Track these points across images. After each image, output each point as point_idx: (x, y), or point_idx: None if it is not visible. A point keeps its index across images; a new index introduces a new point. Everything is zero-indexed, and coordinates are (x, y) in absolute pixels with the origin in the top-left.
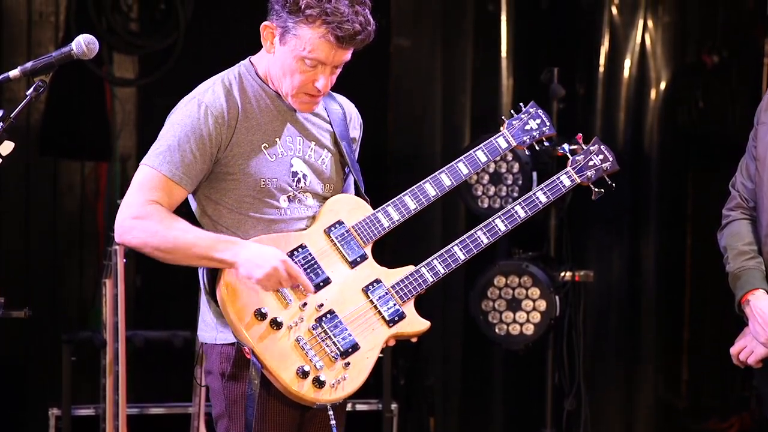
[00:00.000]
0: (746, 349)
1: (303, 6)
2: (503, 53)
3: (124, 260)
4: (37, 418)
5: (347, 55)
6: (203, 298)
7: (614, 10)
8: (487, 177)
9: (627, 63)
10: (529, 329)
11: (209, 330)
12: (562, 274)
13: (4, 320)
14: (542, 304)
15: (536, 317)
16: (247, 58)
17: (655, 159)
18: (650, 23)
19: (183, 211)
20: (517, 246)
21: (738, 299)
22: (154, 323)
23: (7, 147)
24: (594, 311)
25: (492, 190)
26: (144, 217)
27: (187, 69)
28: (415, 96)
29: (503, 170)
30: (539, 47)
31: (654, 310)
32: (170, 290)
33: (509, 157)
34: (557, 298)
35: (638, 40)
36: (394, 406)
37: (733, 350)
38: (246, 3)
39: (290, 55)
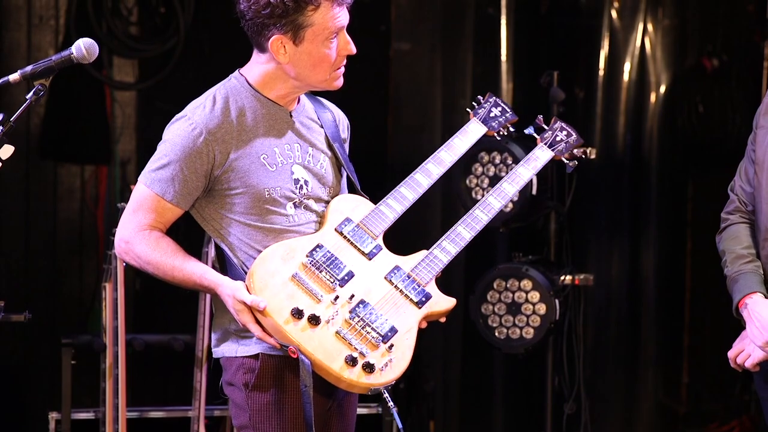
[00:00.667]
0: (743, 352)
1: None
2: (503, 57)
3: (124, 264)
4: (36, 422)
5: (348, 15)
6: (221, 313)
7: (614, 14)
8: (487, 181)
9: (627, 67)
10: (528, 333)
11: (229, 344)
12: (562, 277)
13: (3, 324)
14: (542, 308)
15: (536, 321)
16: (236, 71)
17: (654, 162)
18: (650, 27)
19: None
20: (517, 250)
21: (735, 303)
22: (154, 327)
23: (7, 151)
24: (594, 315)
25: None
26: (135, 243)
27: (186, 73)
28: (415, 100)
29: (503, 174)
30: (539, 51)
31: (654, 313)
32: (170, 294)
33: (509, 161)
34: (557, 301)
35: (638, 43)
36: (394, 409)
37: (730, 354)
38: None
39: (314, 45)
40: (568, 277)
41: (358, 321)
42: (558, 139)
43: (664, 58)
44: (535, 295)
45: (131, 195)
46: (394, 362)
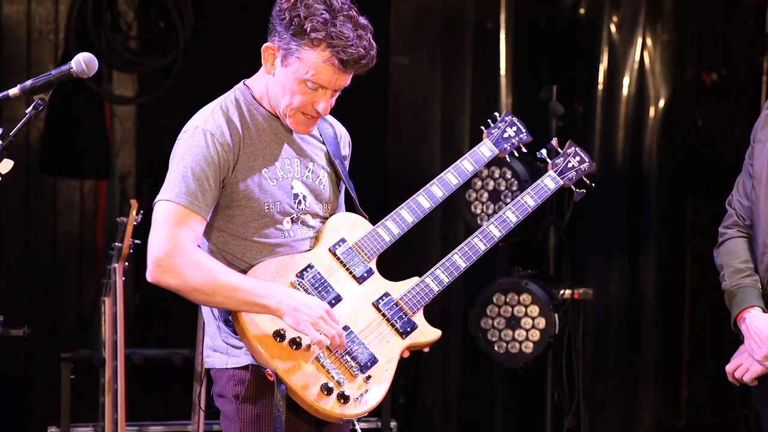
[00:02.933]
0: (742, 366)
1: (308, 29)
2: (502, 71)
3: (123, 278)
4: None
5: (348, 80)
6: (209, 324)
7: (613, 28)
8: (486, 194)
9: (626, 81)
10: (528, 347)
11: (219, 355)
12: (562, 291)
13: (3, 338)
14: (541, 322)
15: (535, 335)
16: (242, 82)
17: (654, 176)
18: (649, 41)
19: None
20: (517, 264)
21: (734, 317)
22: (153, 341)
23: (7, 165)
24: (593, 329)
25: (491, 208)
26: (178, 257)
27: (186, 87)
28: (414, 114)
29: (502, 187)
30: (538, 65)
31: (653, 328)
32: (169, 308)
33: (508, 175)
34: (556, 315)
35: (637, 58)
36: (393, 424)
37: (728, 368)
38: (245, 22)
39: (292, 77)
40: (568, 291)
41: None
42: (570, 165)
43: (664, 73)
44: (534, 309)
45: (153, 217)
46: (370, 393)
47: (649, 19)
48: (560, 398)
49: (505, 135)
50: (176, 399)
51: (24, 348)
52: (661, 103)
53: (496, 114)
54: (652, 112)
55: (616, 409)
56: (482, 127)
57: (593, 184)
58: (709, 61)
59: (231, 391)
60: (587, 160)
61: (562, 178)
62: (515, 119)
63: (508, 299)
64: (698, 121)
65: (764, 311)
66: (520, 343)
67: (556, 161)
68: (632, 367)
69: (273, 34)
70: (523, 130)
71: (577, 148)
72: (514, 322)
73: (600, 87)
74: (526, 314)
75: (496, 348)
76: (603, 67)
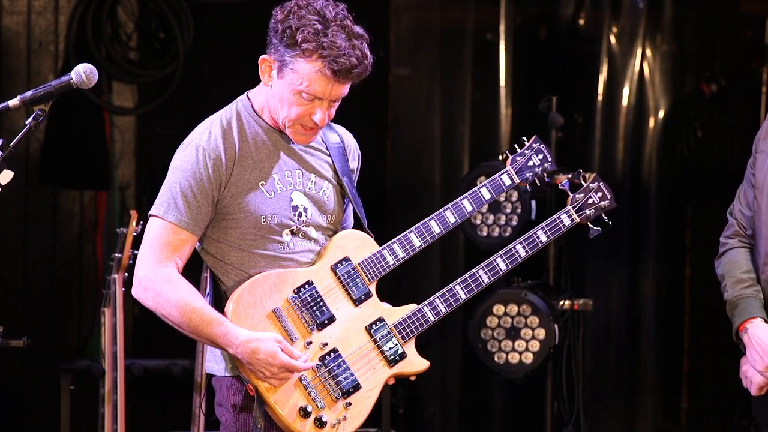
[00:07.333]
0: (745, 378)
1: (300, 40)
2: (502, 82)
3: (123, 289)
4: None
5: (344, 90)
6: None
7: (613, 39)
8: (485, 206)
9: (625, 92)
10: (528, 358)
11: (219, 362)
12: (561, 302)
13: (3, 349)
14: (541, 333)
15: (535, 346)
16: (245, 93)
17: (653, 187)
18: (649, 52)
19: None
20: (516, 274)
21: (735, 327)
22: (153, 352)
23: (7, 176)
24: (593, 340)
25: (491, 218)
26: (156, 282)
27: (186, 98)
28: (414, 125)
29: (502, 199)
30: (538, 76)
31: (653, 338)
32: None
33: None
34: (556, 326)
35: (637, 68)
36: None
37: (741, 375)
38: (245, 32)
39: (287, 88)
40: (567, 302)
41: (324, 372)
42: (590, 201)
43: (663, 84)
44: (534, 320)
45: (145, 232)
46: (348, 420)
47: (649, 30)
48: (560, 409)
49: (530, 163)
50: (176, 410)
51: (24, 359)
52: (661, 114)
53: (524, 138)
54: (651, 122)
55: (615, 420)
56: (507, 152)
57: (610, 223)
58: (709, 72)
59: (229, 400)
60: (609, 197)
61: (579, 215)
62: (543, 146)
63: (507, 310)
64: (698, 132)
65: (766, 322)
66: (520, 353)
67: (577, 196)
68: (632, 377)
69: (269, 47)
70: (549, 159)
71: (601, 183)
72: (513, 333)
73: (600, 98)
74: (525, 325)
75: (495, 359)
76: (603, 77)
